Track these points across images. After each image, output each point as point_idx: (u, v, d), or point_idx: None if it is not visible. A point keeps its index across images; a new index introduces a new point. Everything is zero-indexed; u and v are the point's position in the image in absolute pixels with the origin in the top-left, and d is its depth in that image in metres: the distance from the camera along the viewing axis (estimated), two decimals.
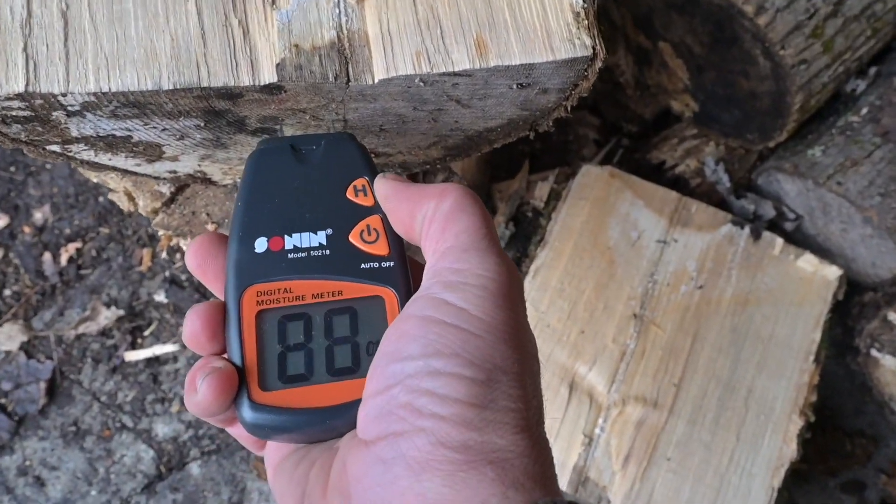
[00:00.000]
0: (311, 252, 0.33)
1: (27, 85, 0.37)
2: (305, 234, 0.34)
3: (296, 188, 0.36)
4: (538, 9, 0.42)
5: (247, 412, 0.30)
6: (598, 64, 0.43)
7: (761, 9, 0.71)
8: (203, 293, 1.07)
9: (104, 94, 0.39)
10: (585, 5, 0.43)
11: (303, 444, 0.32)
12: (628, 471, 0.79)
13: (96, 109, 0.41)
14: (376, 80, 0.41)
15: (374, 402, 0.28)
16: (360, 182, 0.36)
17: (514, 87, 0.45)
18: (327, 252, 0.33)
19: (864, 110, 0.84)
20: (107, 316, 1.05)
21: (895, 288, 0.98)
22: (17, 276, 1.11)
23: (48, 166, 1.17)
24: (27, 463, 1.00)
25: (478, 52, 0.41)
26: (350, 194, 0.35)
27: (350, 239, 0.34)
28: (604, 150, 1.06)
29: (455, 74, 0.41)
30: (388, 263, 0.33)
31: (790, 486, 0.84)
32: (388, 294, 0.33)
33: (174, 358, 1.04)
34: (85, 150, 0.48)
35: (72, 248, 1.11)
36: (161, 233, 0.64)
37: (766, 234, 0.90)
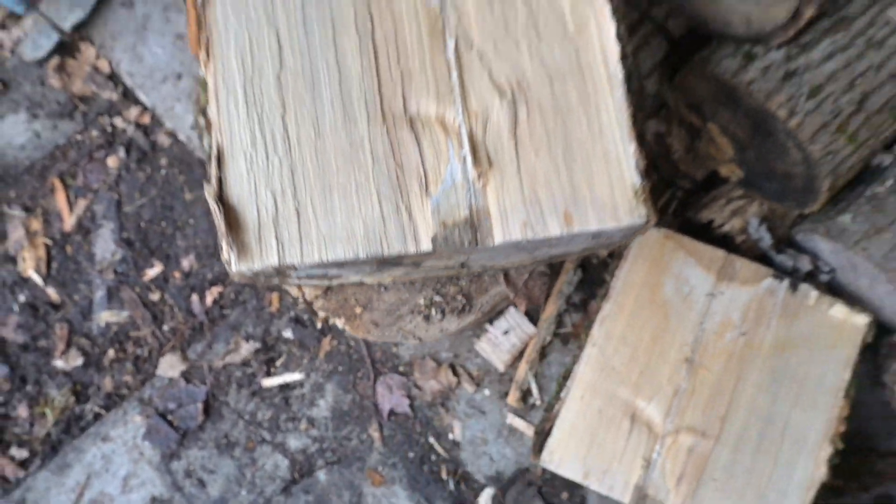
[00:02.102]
0: None
1: (279, 260, 0.58)
2: None
3: None
4: (608, 186, 0.61)
5: None
6: (651, 225, 0.61)
7: (792, 113, 0.86)
8: (322, 328, 1.30)
9: (322, 262, 0.60)
10: (643, 183, 0.61)
11: None
12: (681, 489, 0.96)
13: (314, 268, 0.62)
14: (496, 244, 0.60)
15: None
16: None
17: (590, 237, 0.64)
18: None
19: (889, 182, 0.97)
20: (246, 349, 1.30)
21: None
22: (172, 315, 1.37)
23: (191, 221, 1.43)
24: (191, 468, 1.26)
25: (565, 221, 0.60)
26: None
27: None
28: (660, 201, 1.23)
29: (549, 237, 0.60)
30: None
31: (822, 502, 0.99)
32: None
33: (301, 384, 1.28)
34: (294, 282, 0.69)
35: (215, 291, 1.36)
36: (321, 313, 0.85)
37: (803, 286, 1.05)
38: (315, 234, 0.59)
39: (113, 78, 1.51)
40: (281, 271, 0.61)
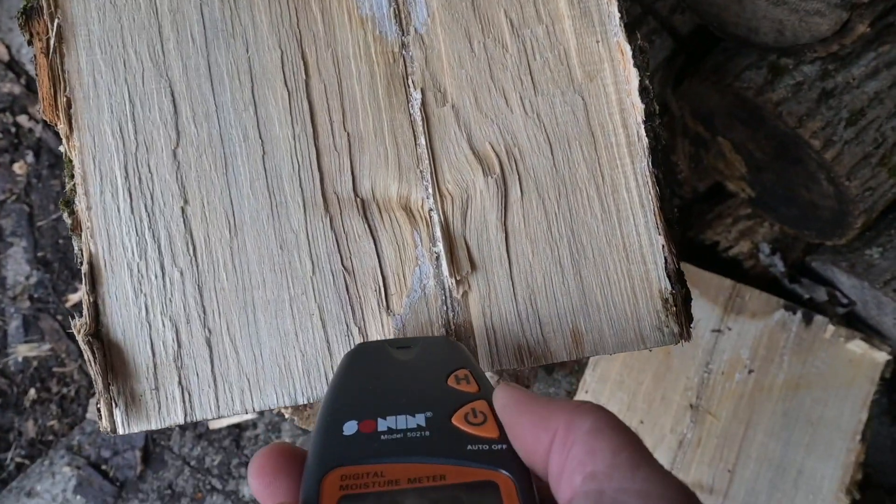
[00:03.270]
0: (409, 434, 0.28)
1: (185, 416, 0.42)
2: (402, 417, 0.29)
3: (392, 376, 0.33)
4: (629, 294, 0.46)
5: None
6: (684, 342, 0.47)
7: (829, 142, 0.71)
8: None
9: (246, 411, 0.44)
10: (674, 291, 0.46)
11: None
12: None
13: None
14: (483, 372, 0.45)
15: None
16: (462, 372, 0.32)
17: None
18: (427, 433, 0.28)
19: None
20: None
21: None
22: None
23: None
24: None
25: (573, 342, 0.45)
26: (451, 382, 0.32)
27: (453, 421, 0.29)
28: None
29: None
30: (499, 446, 0.28)
31: None
32: (504, 480, 0.27)
33: (253, 424, 1.13)
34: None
35: None
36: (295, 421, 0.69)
37: (818, 318, 0.93)
38: (235, 375, 0.43)
39: (13, 66, 1.28)
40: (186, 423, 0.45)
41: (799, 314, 0.92)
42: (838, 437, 0.93)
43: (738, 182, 0.93)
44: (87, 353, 0.41)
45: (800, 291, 0.95)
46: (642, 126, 0.46)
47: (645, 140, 0.46)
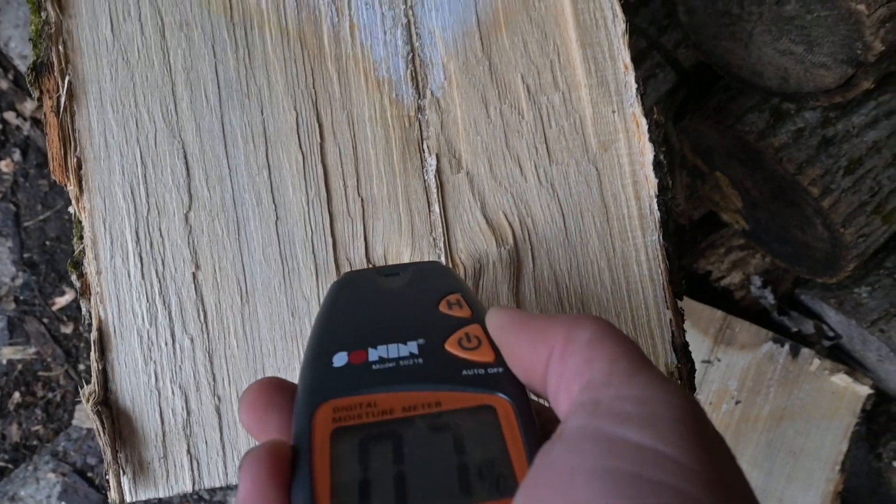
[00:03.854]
0: (401, 362, 0.27)
1: (193, 484, 0.42)
2: (393, 346, 0.28)
3: (381, 305, 0.32)
4: None
5: None
6: None
7: (827, 190, 0.72)
8: None
9: None
10: (679, 364, 0.47)
11: None
12: None
13: None
14: None
15: None
16: (453, 297, 0.31)
17: None
18: (420, 361, 0.27)
19: None
20: None
21: None
22: (88, 351, 1.18)
23: None
24: None
25: None
26: (443, 307, 0.30)
27: (446, 347, 0.28)
28: None
29: None
30: (495, 369, 0.27)
31: None
32: (501, 402, 0.26)
33: None
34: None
35: None
36: None
37: (804, 351, 0.95)
38: (244, 442, 0.43)
39: (0, 61, 1.25)
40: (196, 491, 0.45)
41: (787, 347, 0.94)
42: (818, 468, 0.95)
43: (733, 214, 0.94)
44: (95, 423, 0.40)
45: (788, 324, 0.97)
46: (655, 200, 0.47)
47: (657, 214, 0.47)
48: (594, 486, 0.18)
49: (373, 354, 0.27)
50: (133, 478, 0.42)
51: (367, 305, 0.31)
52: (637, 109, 0.47)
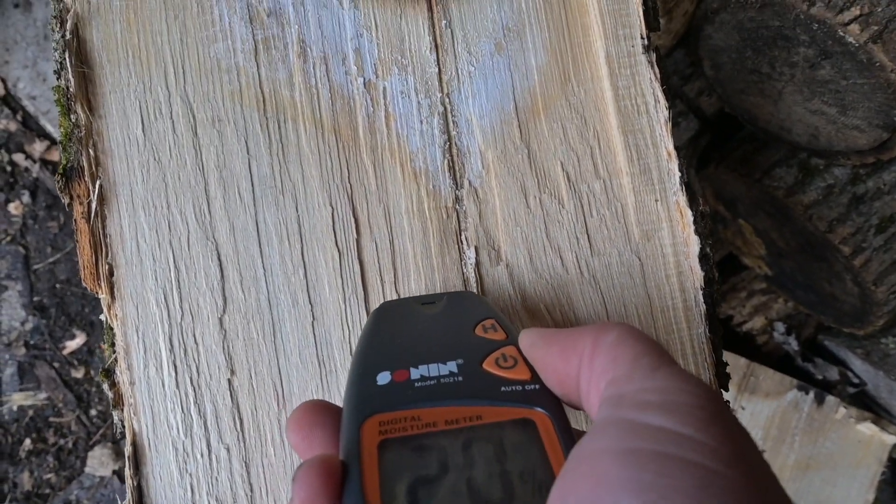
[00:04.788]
0: (441, 380, 0.28)
1: None
2: (433, 365, 0.29)
3: (420, 329, 0.33)
4: None
5: None
6: None
7: (859, 249, 0.71)
8: None
9: None
10: None
11: None
12: None
13: None
14: None
15: None
16: (488, 322, 0.33)
17: None
18: (459, 378, 0.29)
19: None
20: None
21: None
22: (100, 397, 1.16)
23: None
24: None
25: None
26: (479, 331, 0.32)
27: (484, 366, 0.29)
28: None
29: None
30: (532, 386, 0.28)
31: None
32: (540, 416, 0.27)
33: None
34: None
35: None
36: None
37: (830, 399, 0.93)
38: None
39: (9, 102, 1.23)
40: None
41: (811, 394, 0.93)
42: None
43: (756, 260, 0.93)
44: None
45: (812, 371, 0.95)
46: (701, 293, 0.45)
47: (703, 306, 0.45)
48: (619, 462, 0.19)
49: (414, 373, 0.29)
50: None
51: (407, 330, 0.33)
52: (681, 199, 0.46)
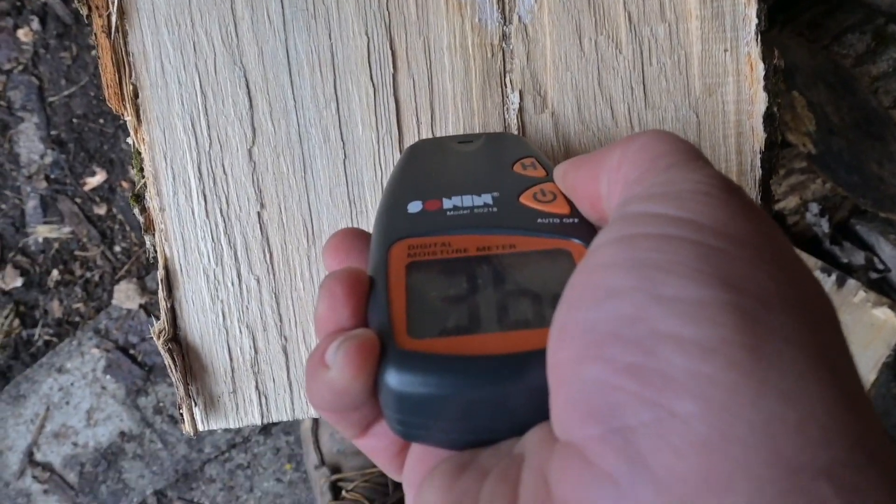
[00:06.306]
0: (475, 210, 0.27)
1: (262, 417, 0.43)
2: (467, 196, 0.28)
3: (455, 164, 0.32)
4: None
5: (392, 369, 0.21)
6: None
7: None
8: None
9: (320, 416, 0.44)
10: None
11: (459, 452, 0.22)
12: None
13: None
14: None
15: (573, 374, 0.18)
16: (528, 160, 0.31)
17: None
18: (494, 209, 0.27)
19: None
20: None
21: None
22: (123, 234, 1.18)
23: None
24: (161, 404, 1.18)
25: None
26: (517, 168, 0.30)
27: (521, 200, 0.28)
28: None
29: None
30: (571, 219, 0.26)
31: None
32: (577, 248, 0.25)
33: None
34: None
35: None
36: None
37: (850, 282, 0.93)
38: None
39: None
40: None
41: (833, 276, 0.92)
42: None
43: (802, 136, 0.88)
44: (167, 359, 0.40)
45: (838, 254, 0.94)
46: (759, 156, 0.42)
47: (758, 172, 0.43)
48: (615, 247, 0.19)
49: (447, 203, 0.28)
50: (204, 410, 0.42)
51: (441, 164, 0.32)
52: (754, 50, 0.41)
